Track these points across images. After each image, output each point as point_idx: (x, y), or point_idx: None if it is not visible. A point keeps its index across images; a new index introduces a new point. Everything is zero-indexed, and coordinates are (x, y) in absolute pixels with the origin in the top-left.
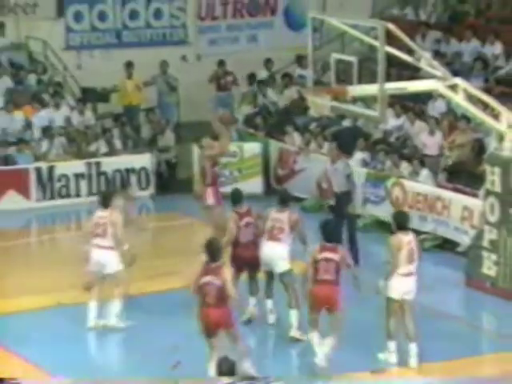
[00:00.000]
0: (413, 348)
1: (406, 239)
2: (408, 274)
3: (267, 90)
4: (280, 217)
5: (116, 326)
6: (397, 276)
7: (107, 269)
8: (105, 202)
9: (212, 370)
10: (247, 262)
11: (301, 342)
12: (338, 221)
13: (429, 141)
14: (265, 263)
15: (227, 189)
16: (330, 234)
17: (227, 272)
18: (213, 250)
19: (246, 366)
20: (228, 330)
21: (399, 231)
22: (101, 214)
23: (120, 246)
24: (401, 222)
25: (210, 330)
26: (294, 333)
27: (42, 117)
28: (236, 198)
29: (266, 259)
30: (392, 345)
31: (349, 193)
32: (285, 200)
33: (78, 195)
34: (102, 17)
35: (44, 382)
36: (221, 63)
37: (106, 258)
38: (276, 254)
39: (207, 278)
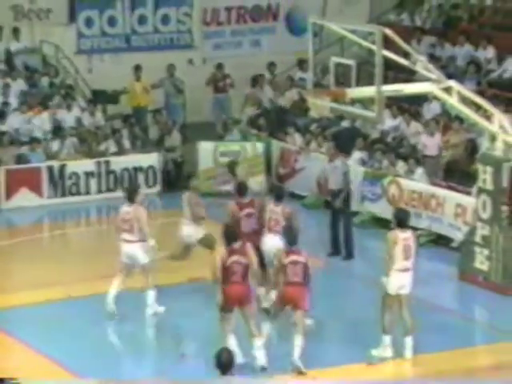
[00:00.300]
0: (408, 341)
1: (403, 236)
2: (404, 270)
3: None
4: (276, 209)
5: (154, 312)
6: (393, 271)
7: (138, 261)
8: (130, 197)
9: (230, 341)
10: None
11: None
12: (334, 217)
13: (429, 142)
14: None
15: (232, 186)
16: (292, 239)
17: (252, 250)
18: (229, 234)
19: (257, 345)
20: (247, 306)
21: (398, 228)
22: (126, 210)
23: (147, 239)
24: (401, 219)
25: (231, 305)
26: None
27: (43, 118)
28: (239, 189)
29: (264, 249)
30: (387, 339)
31: (343, 190)
32: (280, 196)
33: (87, 193)
34: (112, 22)
35: (47, 381)
36: (219, 66)
37: (135, 252)
38: (273, 245)
39: (234, 258)
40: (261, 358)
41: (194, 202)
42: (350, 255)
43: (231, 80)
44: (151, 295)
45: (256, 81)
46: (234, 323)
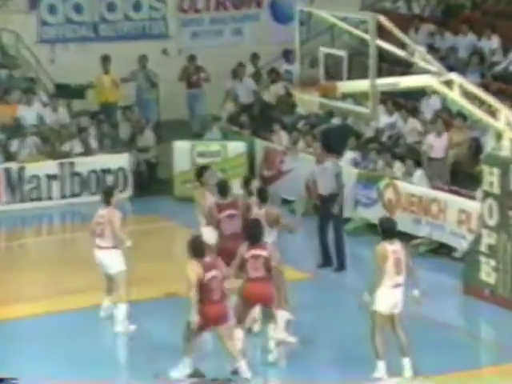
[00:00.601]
0: (406, 362)
1: (392, 248)
2: (396, 286)
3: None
4: (259, 213)
5: (124, 330)
6: (384, 288)
7: (106, 269)
8: (105, 199)
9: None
10: (232, 254)
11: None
12: (323, 224)
13: (436, 143)
14: None
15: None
16: (254, 236)
17: (222, 264)
18: (197, 246)
19: (241, 367)
20: (223, 326)
21: (385, 240)
22: (101, 213)
23: (121, 245)
24: (388, 230)
25: (207, 326)
26: (279, 334)
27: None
28: (220, 188)
29: None
30: (381, 365)
31: (336, 195)
32: (264, 199)
33: (49, 198)
34: (78, 9)
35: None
36: (191, 58)
37: (104, 259)
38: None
39: (213, 273)
40: (246, 372)
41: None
42: (341, 266)
43: (206, 74)
44: (122, 310)
45: (236, 73)
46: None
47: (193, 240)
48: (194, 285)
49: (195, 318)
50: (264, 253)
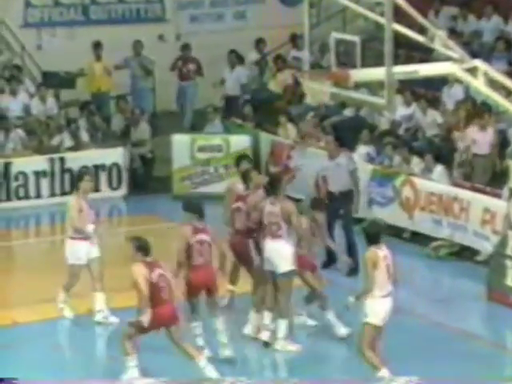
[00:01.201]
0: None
1: (382, 254)
2: (388, 295)
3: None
4: (274, 210)
5: (104, 319)
6: (377, 298)
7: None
8: (76, 185)
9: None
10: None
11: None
12: (330, 223)
13: (480, 137)
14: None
15: (212, 188)
16: (199, 211)
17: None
18: (144, 245)
19: (201, 365)
20: (175, 327)
21: (373, 245)
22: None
23: (80, 234)
24: (374, 235)
25: (157, 327)
26: (282, 345)
27: None
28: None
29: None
30: (385, 372)
31: (351, 192)
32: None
33: (38, 196)
34: None
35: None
36: (184, 47)
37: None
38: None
39: (159, 271)
40: (211, 371)
41: None
42: (355, 270)
43: (195, 65)
44: (100, 298)
45: (228, 61)
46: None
47: (137, 239)
48: (142, 285)
49: (146, 318)
50: (208, 238)
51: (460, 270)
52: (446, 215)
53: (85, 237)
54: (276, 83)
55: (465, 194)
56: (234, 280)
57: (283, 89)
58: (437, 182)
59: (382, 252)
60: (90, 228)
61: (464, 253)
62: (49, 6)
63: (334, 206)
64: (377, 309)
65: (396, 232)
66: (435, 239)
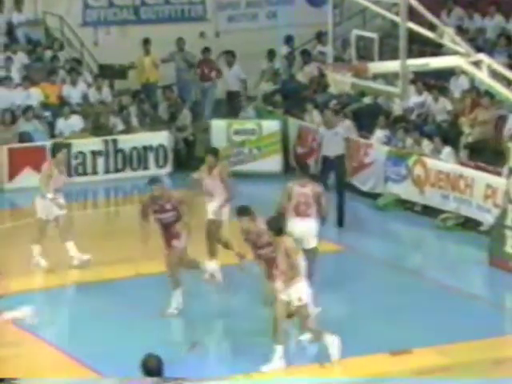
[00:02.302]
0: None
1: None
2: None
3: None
4: (305, 191)
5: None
6: (300, 280)
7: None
8: (51, 153)
9: None
10: None
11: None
12: (323, 182)
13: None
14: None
15: (246, 167)
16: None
17: None
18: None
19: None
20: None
21: (284, 236)
22: None
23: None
24: (278, 229)
25: None
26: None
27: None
28: None
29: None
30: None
31: (344, 156)
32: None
33: (94, 173)
34: None
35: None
36: (205, 51)
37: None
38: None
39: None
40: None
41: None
42: (340, 224)
43: (217, 69)
44: (70, 246)
45: (273, 55)
46: None
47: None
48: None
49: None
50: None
51: (465, 238)
52: (452, 191)
53: (52, 197)
54: (303, 75)
55: (469, 172)
56: None
57: (309, 80)
58: (445, 162)
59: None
60: (56, 190)
61: (468, 224)
62: (104, 7)
63: (329, 167)
64: (300, 290)
65: (409, 206)
66: (443, 212)
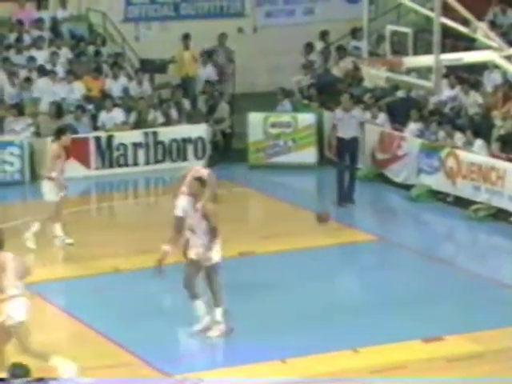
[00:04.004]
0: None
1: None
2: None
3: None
4: None
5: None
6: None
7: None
8: (56, 135)
9: None
10: None
11: None
12: (341, 166)
13: None
14: None
15: (282, 158)
16: None
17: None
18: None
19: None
20: None
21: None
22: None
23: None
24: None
25: None
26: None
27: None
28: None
29: None
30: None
31: (358, 139)
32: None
33: (135, 164)
34: None
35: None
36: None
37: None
38: None
39: None
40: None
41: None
42: (352, 200)
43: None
44: (56, 227)
45: (310, 48)
46: None
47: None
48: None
49: None
50: None
51: (496, 229)
52: (484, 182)
53: (56, 176)
54: (338, 69)
55: (501, 164)
56: None
57: (344, 74)
58: (477, 154)
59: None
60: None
61: (500, 214)
62: (145, 4)
63: (345, 148)
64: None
65: (441, 197)
66: (475, 203)
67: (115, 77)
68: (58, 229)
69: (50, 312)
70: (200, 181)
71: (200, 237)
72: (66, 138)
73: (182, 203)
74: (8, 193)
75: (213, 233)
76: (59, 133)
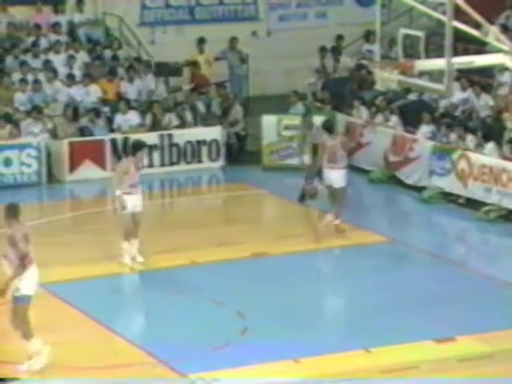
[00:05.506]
0: None
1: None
2: None
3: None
4: (335, 143)
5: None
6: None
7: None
8: (133, 151)
9: None
10: None
11: None
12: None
13: None
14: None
15: (294, 160)
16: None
17: None
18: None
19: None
20: None
21: None
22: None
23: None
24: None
25: None
26: None
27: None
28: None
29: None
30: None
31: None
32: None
33: (151, 166)
34: None
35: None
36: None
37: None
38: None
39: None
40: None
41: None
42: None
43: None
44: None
45: (325, 51)
46: None
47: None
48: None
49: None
50: None
51: (507, 230)
52: (495, 184)
53: (130, 192)
54: (341, 70)
55: None
56: None
57: (350, 73)
58: (488, 156)
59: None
60: (131, 186)
61: (511, 216)
62: (161, 8)
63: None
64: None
65: (453, 198)
66: (486, 204)
67: (130, 80)
68: (127, 245)
69: (66, 311)
70: (10, 210)
71: (11, 265)
72: (141, 154)
73: None
74: (25, 194)
75: (22, 261)
76: (136, 149)
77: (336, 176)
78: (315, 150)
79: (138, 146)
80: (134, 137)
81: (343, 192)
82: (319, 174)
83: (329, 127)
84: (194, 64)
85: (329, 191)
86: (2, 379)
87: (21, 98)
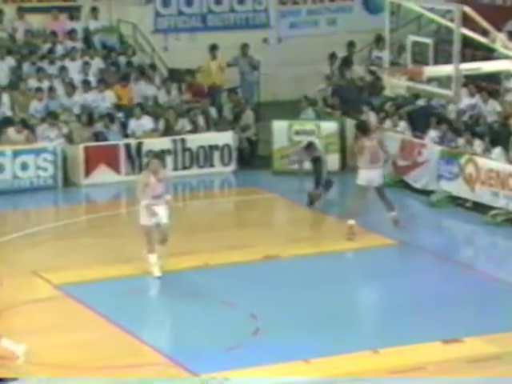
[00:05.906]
0: None
1: None
2: None
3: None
4: (373, 144)
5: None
6: None
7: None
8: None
9: None
10: None
11: None
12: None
13: None
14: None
15: (305, 165)
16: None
17: None
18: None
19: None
20: None
21: None
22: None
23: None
24: None
25: None
26: None
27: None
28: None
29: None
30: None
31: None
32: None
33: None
34: (189, 2)
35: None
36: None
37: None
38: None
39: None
40: None
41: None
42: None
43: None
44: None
45: (334, 58)
46: None
47: None
48: None
49: None
50: None
51: None
52: (502, 188)
53: (153, 203)
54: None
55: None
56: None
57: (361, 81)
58: (495, 161)
59: None
60: (154, 197)
61: None
62: (174, 15)
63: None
64: None
65: (460, 202)
66: (493, 208)
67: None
68: (153, 258)
69: (81, 312)
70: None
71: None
72: (152, 165)
73: None
74: (41, 197)
75: None
76: (148, 161)
77: (379, 174)
78: (315, 162)
79: (150, 159)
80: (147, 141)
81: (382, 189)
82: (328, 185)
83: (364, 128)
84: (190, 73)
85: (362, 193)
86: (2, 379)
87: (37, 106)
